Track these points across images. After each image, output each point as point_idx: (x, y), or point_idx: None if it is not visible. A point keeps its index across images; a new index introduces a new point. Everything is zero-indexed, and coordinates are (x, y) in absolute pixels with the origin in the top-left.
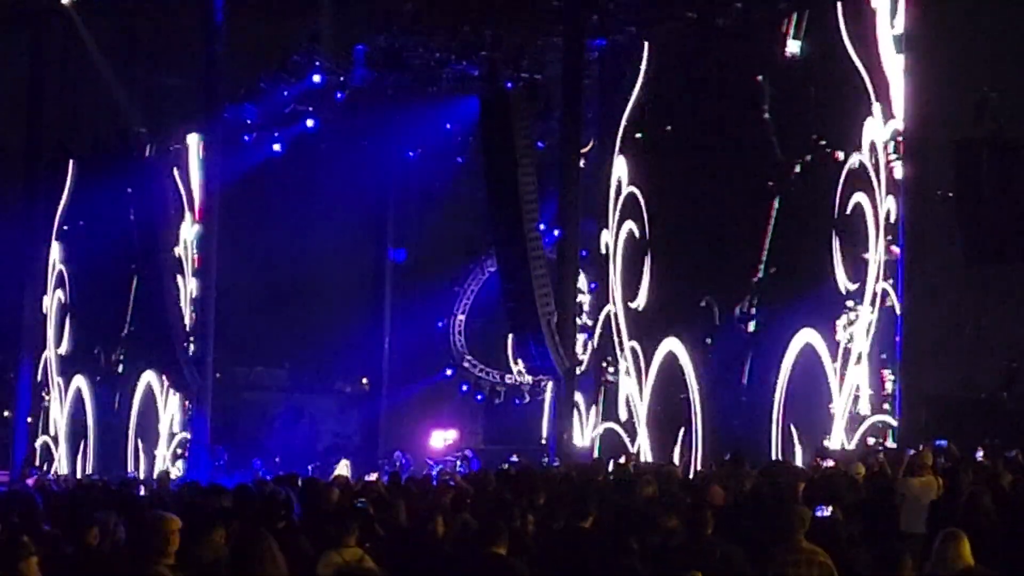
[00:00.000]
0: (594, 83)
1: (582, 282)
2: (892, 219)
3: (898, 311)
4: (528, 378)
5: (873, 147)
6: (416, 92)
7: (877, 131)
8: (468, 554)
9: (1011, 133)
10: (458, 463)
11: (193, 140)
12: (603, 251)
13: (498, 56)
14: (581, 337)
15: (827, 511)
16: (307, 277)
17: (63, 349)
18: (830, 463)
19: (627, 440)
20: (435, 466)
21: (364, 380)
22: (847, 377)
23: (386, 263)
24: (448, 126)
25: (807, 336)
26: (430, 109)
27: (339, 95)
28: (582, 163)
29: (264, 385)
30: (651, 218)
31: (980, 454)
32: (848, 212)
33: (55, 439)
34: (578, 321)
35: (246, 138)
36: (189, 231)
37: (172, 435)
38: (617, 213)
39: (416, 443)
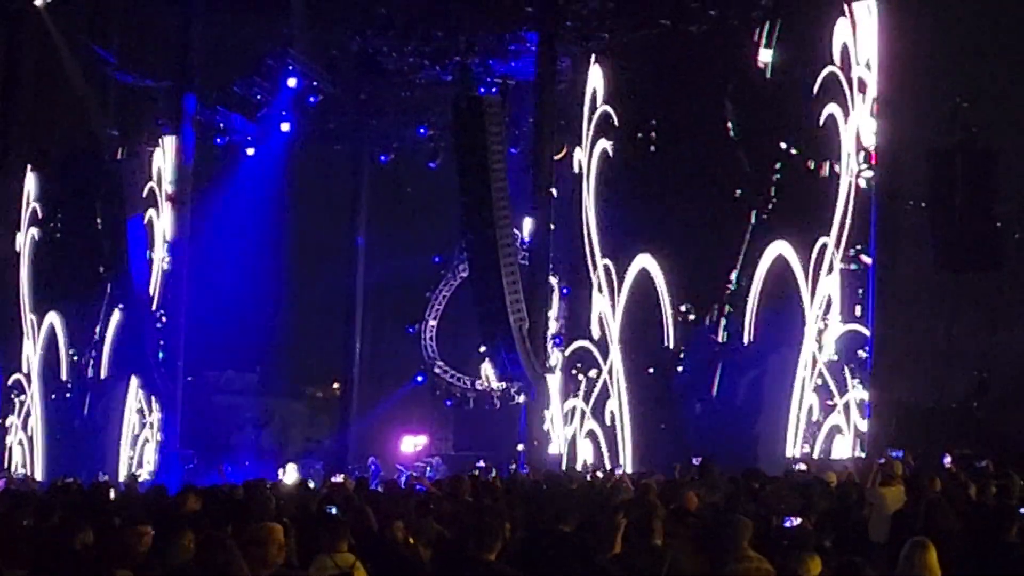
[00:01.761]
0: (567, 89)
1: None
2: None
3: (868, 320)
4: (499, 384)
5: (846, 157)
6: (389, 97)
7: (849, 141)
8: (458, 562)
9: (983, 141)
10: (427, 468)
11: (165, 142)
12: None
13: (471, 62)
14: (552, 344)
15: (796, 522)
16: (278, 281)
17: (36, 359)
18: (802, 466)
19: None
20: (404, 472)
21: (335, 385)
22: (814, 382)
23: (358, 267)
24: (421, 131)
25: (778, 342)
26: (403, 113)
27: (312, 99)
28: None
29: (234, 389)
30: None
31: (947, 459)
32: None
33: (30, 440)
34: (550, 328)
35: (218, 140)
36: (160, 235)
37: (142, 439)
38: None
39: (387, 448)
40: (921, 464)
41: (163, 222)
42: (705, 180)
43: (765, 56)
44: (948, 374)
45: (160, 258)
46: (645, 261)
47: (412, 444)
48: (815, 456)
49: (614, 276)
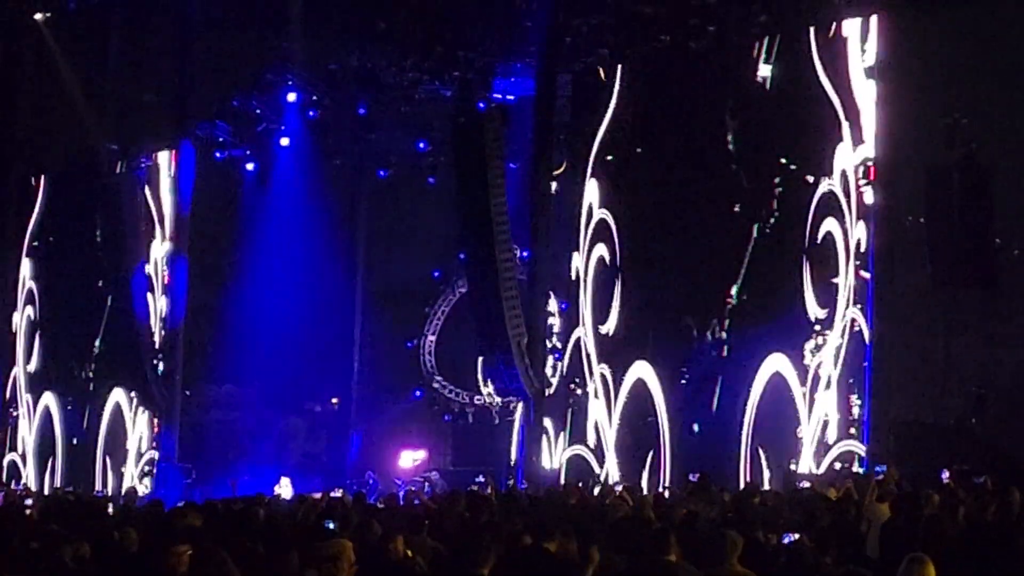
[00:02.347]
0: (566, 105)
1: (552, 304)
2: (863, 247)
3: (867, 337)
4: (497, 399)
5: (844, 172)
6: (388, 112)
7: (848, 156)
8: None
9: (981, 158)
10: (426, 483)
11: (164, 157)
12: (573, 275)
13: (471, 77)
14: (550, 359)
15: (794, 538)
16: (277, 295)
17: (32, 366)
18: (805, 484)
19: (595, 464)
20: (403, 486)
21: (334, 399)
22: (816, 403)
23: (357, 281)
24: (421, 146)
25: (776, 361)
26: (402, 129)
27: (312, 113)
28: (554, 185)
29: (233, 403)
30: (622, 243)
31: (946, 475)
32: (819, 239)
33: (23, 457)
34: (548, 343)
35: (217, 155)
36: (159, 249)
37: (140, 453)
38: (588, 237)
39: (385, 463)
40: (918, 480)
41: (160, 236)
42: (705, 195)
43: (764, 71)
44: (946, 390)
45: (158, 273)
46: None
47: (411, 459)
48: (814, 472)
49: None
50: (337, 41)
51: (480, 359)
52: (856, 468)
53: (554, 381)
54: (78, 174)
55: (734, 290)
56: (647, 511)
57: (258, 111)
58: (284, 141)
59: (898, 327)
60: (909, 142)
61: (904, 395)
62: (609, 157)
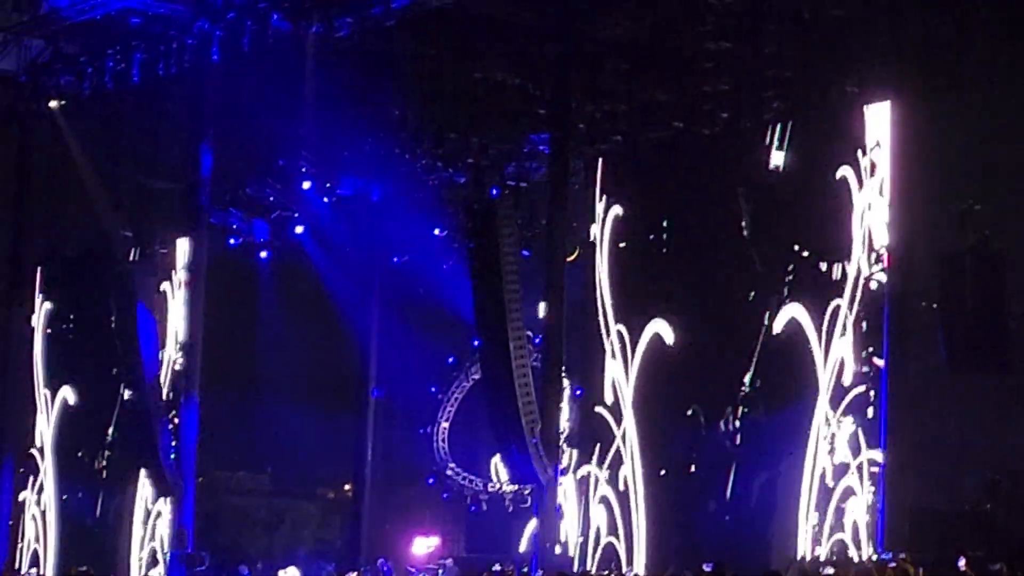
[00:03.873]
0: (580, 191)
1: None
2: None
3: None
4: (511, 486)
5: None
6: (402, 198)
7: (861, 242)
8: None
9: (994, 245)
10: (440, 571)
11: (179, 244)
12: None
13: (484, 163)
14: (564, 446)
15: None
16: (291, 382)
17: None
18: (829, 571)
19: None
20: (417, 574)
21: (347, 486)
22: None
23: (370, 367)
24: (436, 232)
25: (791, 443)
26: (416, 215)
27: (326, 200)
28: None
29: (246, 490)
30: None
31: (962, 562)
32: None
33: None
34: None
35: (232, 242)
36: (173, 335)
37: (153, 539)
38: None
39: (399, 549)
40: (933, 566)
41: (175, 321)
42: (719, 281)
43: (777, 158)
44: (960, 476)
45: (171, 357)
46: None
47: (424, 545)
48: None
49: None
50: (351, 128)
51: (494, 446)
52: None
53: (568, 467)
54: (92, 261)
55: (747, 378)
56: None
57: (272, 198)
58: (299, 229)
59: (912, 412)
60: (922, 228)
61: (918, 480)
62: (622, 244)
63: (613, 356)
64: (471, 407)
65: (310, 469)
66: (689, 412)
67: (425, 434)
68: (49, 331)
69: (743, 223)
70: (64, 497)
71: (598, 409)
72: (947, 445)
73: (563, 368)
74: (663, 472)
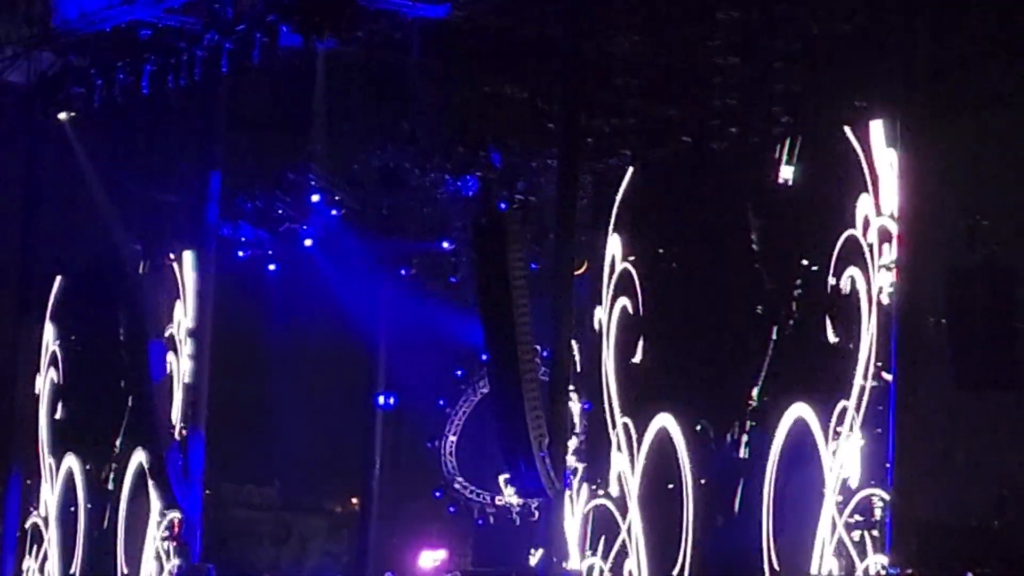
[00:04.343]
0: (589, 205)
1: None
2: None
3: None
4: (518, 500)
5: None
6: (411, 211)
7: (870, 258)
8: None
9: (1004, 260)
10: None
11: (187, 257)
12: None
13: (492, 177)
14: (572, 459)
15: None
16: (299, 394)
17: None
18: None
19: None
20: None
21: (354, 500)
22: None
23: (378, 381)
24: (445, 245)
25: (800, 456)
26: (424, 228)
27: (334, 212)
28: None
29: (254, 503)
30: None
31: None
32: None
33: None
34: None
35: (241, 255)
36: (181, 347)
37: (159, 552)
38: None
39: (405, 563)
40: None
41: (183, 334)
42: (729, 296)
43: (786, 173)
44: (969, 492)
45: (179, 370)
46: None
47: (431, 559)
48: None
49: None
50: (360, 141)
51: (502, 460)
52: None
53: (575, 481)
54: (101, 274)
55: (755, 392)
56: None
57: (281, 211)
58: (308, 242)
59: (920, 428)
60: (930, 244)
61: (926, 497)
62: (631, 258)
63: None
64: (479, 421)
65: (317, 483)
66: (698, 427)
67: (433, 448)
68: (58, 344)
69: (752, 237)
70: (72, 509)
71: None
72: (955, 461)
73: (571, 382)
74: (670, 486)
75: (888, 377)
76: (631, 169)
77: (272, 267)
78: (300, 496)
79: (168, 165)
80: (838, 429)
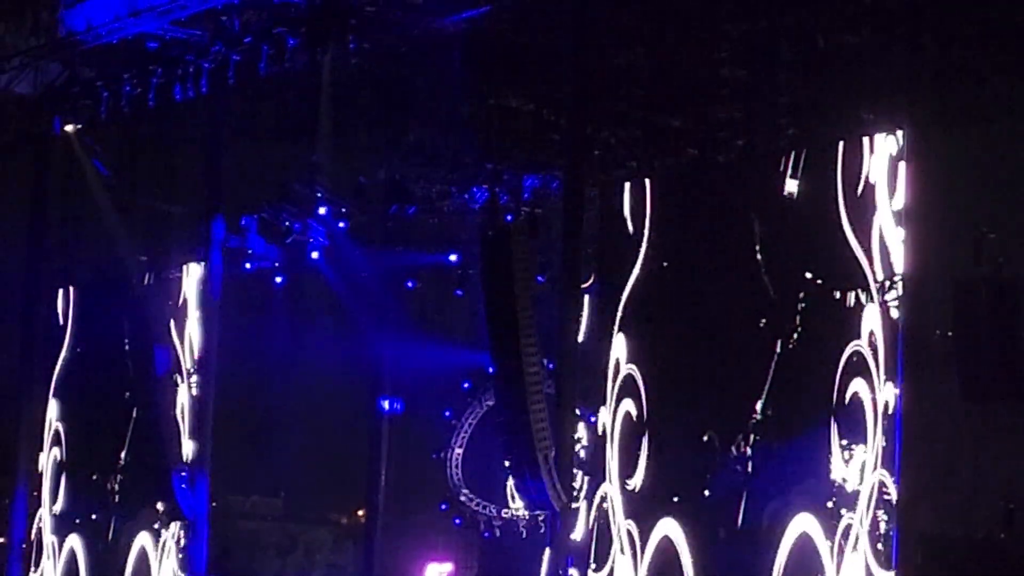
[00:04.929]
0: (595, 216)
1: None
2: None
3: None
4: (525, 513)
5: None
6: (417, 224)
7: (875, 270)
8: None
9: (1009, 272)
10: None
11: (193, 269)
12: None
13: (499, 189)
14: (578, 473)
15: None
16: (304, 406)
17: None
18: None
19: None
20: None
21: (360, 511)
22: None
23: (384, 393)
24: (451, 258)
25: (804, 471)
26: (430, 241)
27: (341, 225)
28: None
29: (259, 515)
30: (648, 349)
31: None
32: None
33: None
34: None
35: (247, 267)
36: (187, 359)
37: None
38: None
39: None
40: None
41: (189, 346)
42: (733, 309)
43: (791, 186)
44: (974, 504)
45: (185, 381)
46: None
47: (437, 572)
48: None
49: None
50: (366, 154)
51: (507, 472)
52: None
53: (581, 492)
54: (107, 286)
55: (759, 405)
56: None
57: (287, 223)
58: (314, 254)
59: (926, 440)
60: (936, 256)
61: (932, 509)
62: (637, 271)
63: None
64: (485, 433)
65: (323, 494)
66: (705, 438)
67: (439, 460)
68: (64, 356)
69: (756, 249)
70: (77, 521)
71: None
72: (961, 473)
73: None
74: (675, 499)
75: (894, 390)
76: (627, 184)
77: (278, 279)
78: (306, 507)
79: (174, 176)
80: (843, 444)
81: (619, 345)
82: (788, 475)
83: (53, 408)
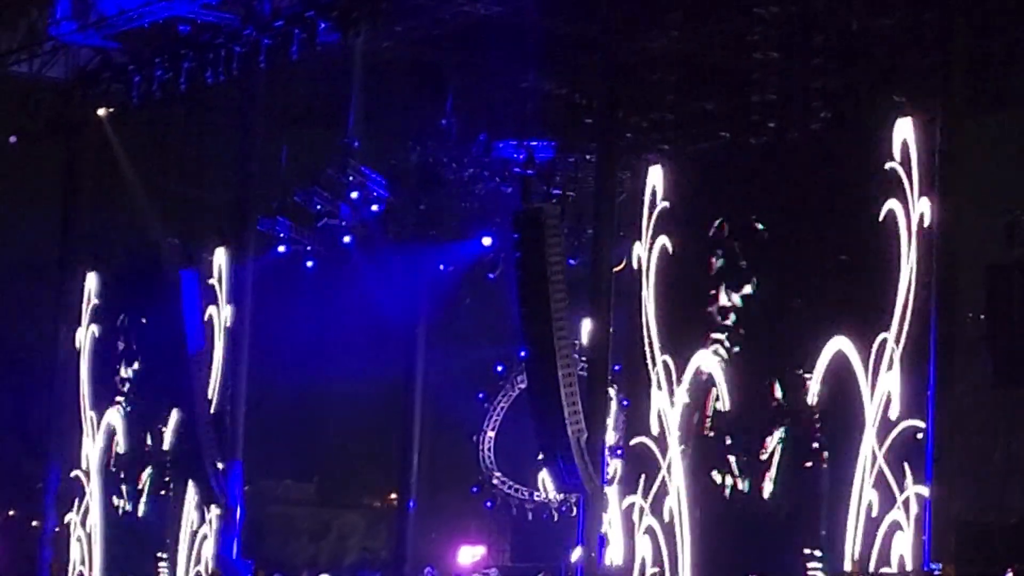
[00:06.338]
0: (627, 200)
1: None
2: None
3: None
4: (557, 496)
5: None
6: (449, 208)
7: (908, 255)
8: None
9: None
10: None
11: (225, 253)
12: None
13: (530, 173)
14: (610, 456)
15: None
16: (337, 390)
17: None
18: None
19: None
20: None
21: (392, 495)
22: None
23: (416, 376)
24: (484, 241)
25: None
26: (463, 224)
27: (373, 209)
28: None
29: (292, 499)
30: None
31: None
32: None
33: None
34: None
35: (279, 251)
36: (219, 343)
37: (198, 548)
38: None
39: (444, 559)
40: None
41: (222, 330)
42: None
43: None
44: (1007, 489)
45: (218, 366)
46: (704, 359)
47: (470, 555)
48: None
49: (673, 372)
50: (398, 138)
51: (539, 455)
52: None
53: (613, 476)
54: (139, 270)
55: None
56: None
57: (319, 207)
58: (346, 238)
59: (958, 425)
60: (968, 240)
61: (965, 494)
62: (668, 240)
63: (659, 387)
64: (517, 416)
65: (356, 478)
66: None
67: (471, 442)
68: (98, 326)
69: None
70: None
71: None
72: (993, 458)
73: (609, 377)
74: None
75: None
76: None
77: (310, 263)
78: (338, 492)
79: (206, 160)
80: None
81: None
82: None
83: (85, 385)
